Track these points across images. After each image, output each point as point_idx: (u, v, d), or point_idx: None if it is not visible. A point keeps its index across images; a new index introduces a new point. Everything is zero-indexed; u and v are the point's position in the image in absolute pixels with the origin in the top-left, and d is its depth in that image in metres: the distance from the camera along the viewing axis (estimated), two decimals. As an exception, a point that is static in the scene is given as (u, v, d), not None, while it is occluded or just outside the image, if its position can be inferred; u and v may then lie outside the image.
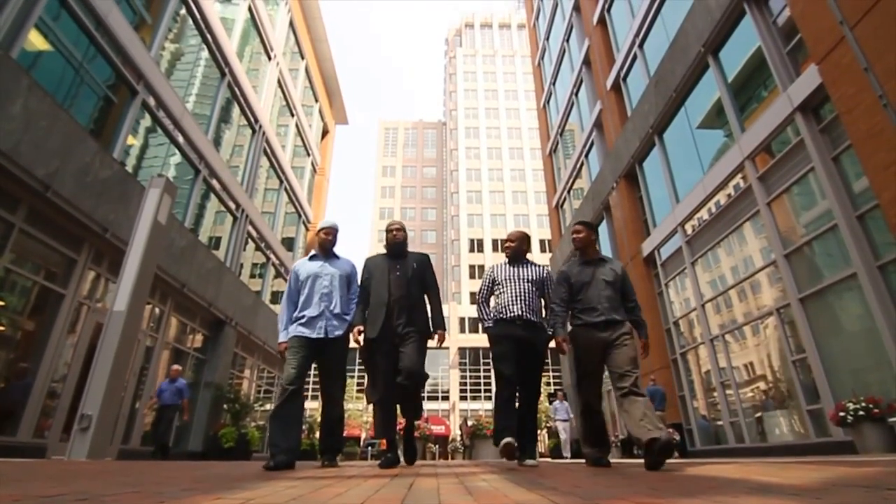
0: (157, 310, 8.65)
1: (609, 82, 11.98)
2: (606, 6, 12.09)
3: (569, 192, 16.21)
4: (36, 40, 5.60)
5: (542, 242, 45.29)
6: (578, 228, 3.39)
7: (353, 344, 3.38)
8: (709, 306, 8.26)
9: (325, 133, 20.71)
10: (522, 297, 3.41)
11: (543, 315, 3.48)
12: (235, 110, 11.66)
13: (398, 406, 3.43)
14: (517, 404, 3.37)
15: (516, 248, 3.65)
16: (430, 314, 3.52)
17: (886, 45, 4.48)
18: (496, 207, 49.28)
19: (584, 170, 14.74)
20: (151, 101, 7.86)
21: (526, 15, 20.88)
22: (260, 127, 12.83)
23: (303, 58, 16.97)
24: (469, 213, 49.71)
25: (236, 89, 11.33)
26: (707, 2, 7.50)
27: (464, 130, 53.76)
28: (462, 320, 41.52)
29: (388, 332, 3.30)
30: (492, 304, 3.54)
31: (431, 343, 3.49)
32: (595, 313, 3.07)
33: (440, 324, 3.49)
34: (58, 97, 5.78)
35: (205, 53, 10.01)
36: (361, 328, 3.31)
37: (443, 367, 40.16)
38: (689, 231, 8.70)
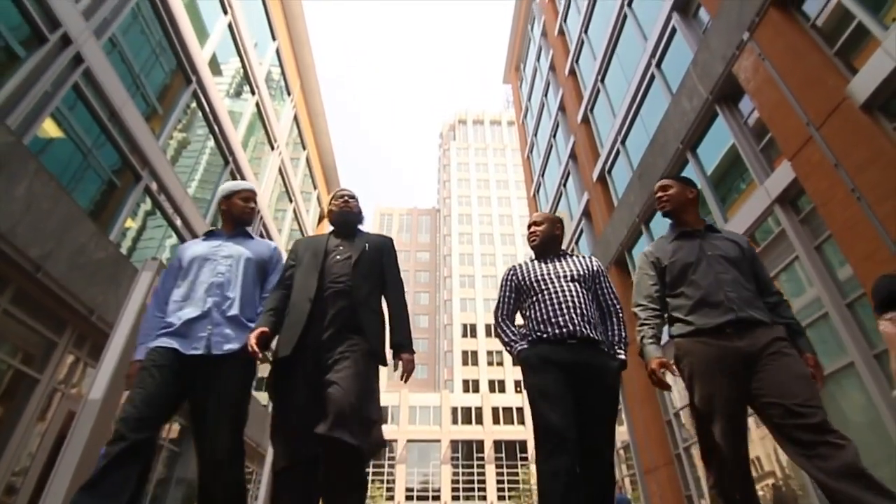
0: (134, 396, 8.22)
1: (595, 174, 12.59)
2: (589, 107, 13.04)
3: (561, 277, 16.30)
4: (49, 128, 5.87)
5: (535, 328, 44.91)
6: (666, 184, 2.30)
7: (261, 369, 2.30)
8: (708, 396, 8.00)
9: (321, 218, 21.23)
10: (571, 304, 2.27)
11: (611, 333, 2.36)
12: (235, 195, 12.01)
13: (321, 490, 1.93)
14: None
15: (546, 234, 2.56)
16: (387, 324, 2.33)
17: (851, 143, 4.80)
18: (489, 292, 49.34)
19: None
20: (154, 186, 8.11)
21: (515, 113, 22.41)
22: (258, 212, 13.16)
23: (304, 148, 17.85)
24: (462, 298, 49.65)
25: (238, 176, 11.76)
26: (682, 104, 8.13)
27: (457, 217, 55.36)
28: (454, 410, 39.81)
29: (311, 346, 2.05)
30: (517, 322, 2.50)
31: (388, 373, 2.39)
32: (715, 310, 1.94)
33: (403, 342, 2.24)
34: (62, 180, 5.95)
35: (210, 143, 10.52)
36: (262, 332, 2.06)
37: (434, 461, 37.77)
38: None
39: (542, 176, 18.38)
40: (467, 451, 38.23)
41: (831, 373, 5.53)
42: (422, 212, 66.22)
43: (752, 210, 6.58)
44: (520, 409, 40.55)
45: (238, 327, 2.16)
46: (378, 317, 2.29)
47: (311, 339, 2.08)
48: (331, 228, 2.57)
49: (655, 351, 2.01)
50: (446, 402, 39.88)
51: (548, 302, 2.32)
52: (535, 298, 2.38)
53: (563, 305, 2.28)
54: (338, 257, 2.33)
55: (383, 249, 2.48)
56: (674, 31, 8.45)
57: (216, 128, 10.41)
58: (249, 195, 2.51)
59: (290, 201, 16.57)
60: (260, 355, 2.04)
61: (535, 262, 2.55)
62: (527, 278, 2.47)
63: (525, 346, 2.29)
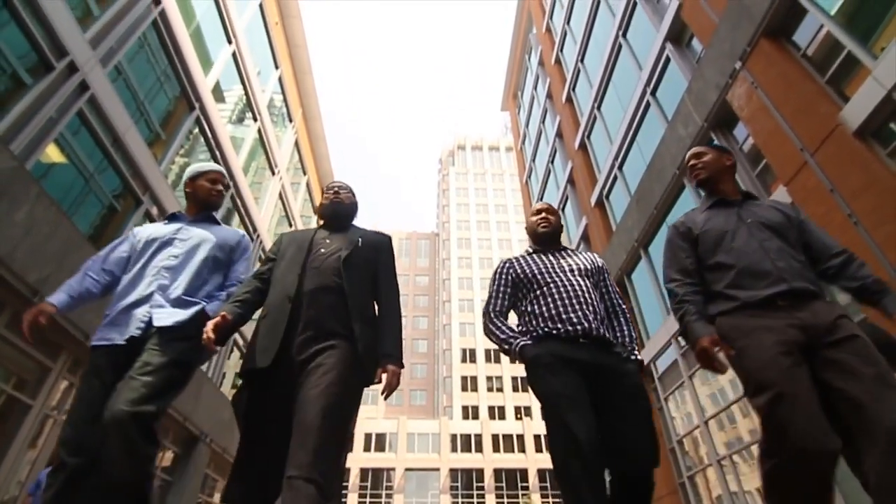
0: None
1: (593, 199, 12.69)
2: (586, 133, 13.24)
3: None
4: (52, 153, 5.93)
5: (535, 353, 44.50)
6: (700, 151, 2.07)
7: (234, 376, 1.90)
8: (712, 423, 7.89)
9: (320, 242, 21.23)
10: (584, 299, 2.02)
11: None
12: (235, 219, 12.06)
13: None
14: None
15: (556, 225, 2.37)
16: (377, 330, 1.96)
17: (846, 169, 4.85)
18: (488, 317, 49.06)
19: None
20: (154, 211, 8.14)
21: (513, 139, 22.72)
22: (258, 236, 13.19)
23: (304, 173, 18.01)
24: (461, 322, 49.34)
25: (238, 201, 11.83)
26: (677, 131, 8.25)
27: (456, 241, 55.50)
28: (454, 438, 39.08)
29: (291, 357, 1.74)
30: (511, 321, 2.17)
31: (373, 388, 2.03)
32: (762, 280, 1.67)
33: (393, 351, 1.88)
34: (64, 205, 5.98)
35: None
36: (223, 319, 1.75)
37: (433, 491, 36.91)
38: (683, 343, 8.61)
39: (541, 201, 18.48)
40: (467, 481, 37.33)
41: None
42: (421, 236, 66.41)
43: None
44: (520, 437, 39.81)
45: (182, 304, 1.91)
46: (372, 325, 1.93)
47: (291, 345, 1.75)
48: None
49: (704, 328, 1.66)
50: (445, 428, 39.16)
51: (556, 296, 2.04)
52: (538, 293, 2.09)
53: (576, 300, 2.01)
54: (323, 250, 2.01)
55: (380, 247, 2.17)
56: (668, 60, 8.65)
57: (218, 153, 10.52)
58: (217, 177, 2.31)
59: (290, 226, 16.62)
60: (214, 347, 1.72)
61: (535, 255, 2.30)
62: (528, 271, 2.19)
63: (528, 342, 1.94)
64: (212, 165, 2.36)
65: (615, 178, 11.57)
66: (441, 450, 38.51)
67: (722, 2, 6.71)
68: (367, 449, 38.25)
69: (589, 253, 2.34)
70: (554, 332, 1.95)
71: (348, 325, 1.83)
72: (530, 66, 19.17)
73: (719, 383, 7.79)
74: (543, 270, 2.17)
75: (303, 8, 14.51)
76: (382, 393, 1.85)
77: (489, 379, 45.86)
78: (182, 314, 1.88)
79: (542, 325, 2.00)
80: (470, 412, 43.73)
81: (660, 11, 8.99)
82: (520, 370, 45.77)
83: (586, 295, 2.06)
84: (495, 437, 39.82)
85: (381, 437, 38.96)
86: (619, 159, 11.17)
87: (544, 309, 2.04)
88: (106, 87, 6.56)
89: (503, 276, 2.27)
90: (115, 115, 6.77)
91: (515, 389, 45.27)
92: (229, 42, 10.77)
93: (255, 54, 12.38)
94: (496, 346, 2.11)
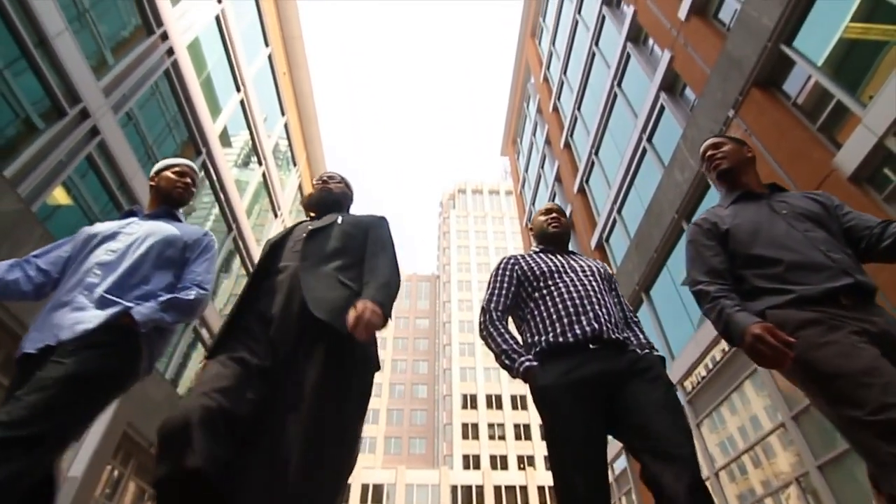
0: (115, 473, 7.79)
1: (593, 242, 12.75)
2: (585, 178, 13.47)
3: (562, 346, 16.06)
4: (58, 195, 6.02)
5: (537, 399, 43.40)
6: (718, 141, 1.91)
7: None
8: (723, 474, 7.59)
9: (321, 284, 21.20)
10: (595, 300, 1.84)
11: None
12: (237, 262, 12.08)
13: None
14: None
15: (567, 226, 2.22)
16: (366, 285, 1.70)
17: (843, 214, 4.89)
18: (489, 360, 48.27)
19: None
20: (156, 252, 8.18)
21: (513, 184, 23.10)
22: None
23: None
24: (462, 367, 48.48)
25: (240, 242, 11.90)
26: (674, 176, 8.40)
27: (457, 283, 55.37)
28: (454, 490, 37.59)
29: (260, 337, 1.56)
30: (510, 329, 1.90)
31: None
32: (819, 273, 1.44)
33: (375, 294, 1.59)
34: (66, 247, 6.01)
35: (216, 210, 10.74)
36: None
37: (431, 546, 35.19)
38: (690, 388, 8.42)
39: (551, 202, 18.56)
40: (467, 497, 35.63)
41: (848, 449, 5.25)
42: (421, 278, 66.33)
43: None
44: (523, 488, 38.25)
45: (104, 306, 1.61)
46: (352, 295, 1.66)
47: (265, 322, 1.60)
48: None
49: (749, 317, 1.40)
50: (445, 479, 37.69)
51: (565, 296, 1.84)
52: (545, 291, 1.89)
53: (586, 300, 1.82)
54: (304, 237, 1.82)
55: (370, 224, 1.93)
56: (662, 108, 8.92)
57: (222, 196, 10.67)
58: (186, 170, 2.09)
59: (291, 268, 16.65)
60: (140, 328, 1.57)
61: (543, 254, 2.09)
62: (535, 268, 1.98)
63: (533, 361, 1.71)
64: (183, 160, 2.15)
65: (614, 222, 11.67)
66: (441, 502, 36.93)
67: (712, 54, 6.98)
68: (363, 501, 36.67)
69: (596, 261, 2.15)
70: (560, 340, 1.73)
71: (313, 308, 1.56)
72: (529, 113, 19.76)
73: (728, 431, 7.55)
74: (553, 268, 1.97)
75: (310, 57, 15.14)
76: (350, 324, 1.46)
77: (490, 426, 44.56)
78: (92, 318, 1.56)
79: (548, 329, 1.79)
80: (471, 461, 42.22)
81: (653, 63, 9.35)
82: (522, 417, 44.55)
83: (599, 296, 1.86)
84: (497, 489, 38.25)
85: (378, 489, 37.43)
86: (618, 203, 11.31)
87: (552, 310, 1.82)
88: (116, 132, 6.74)
89: (507, 272, 2.02)
90: (124, 160, 6.92)
91: (518, 438, 43.90)
92: (238, 90, 11.16)
93: (263, 102, 12.79)
94: (496, 362, 1.85)
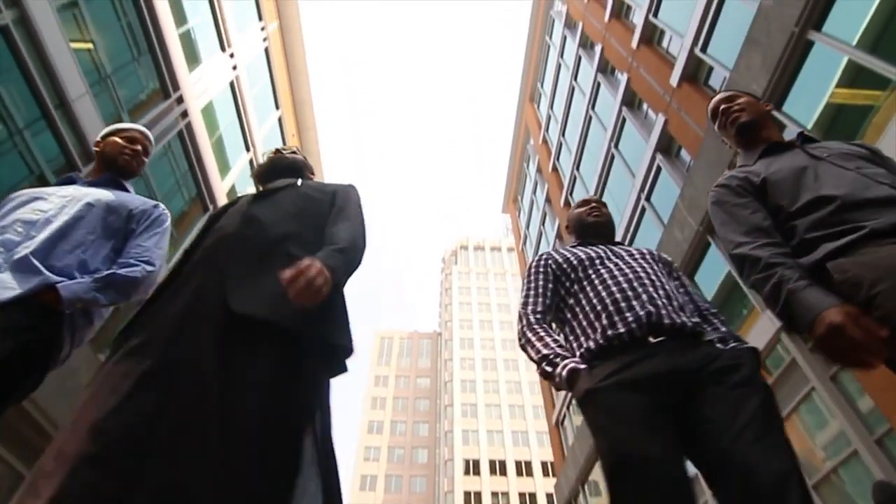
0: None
1: (596, 299, 12.66)
2: (586, 235, 13.59)
3: (568, 407, 15.57)
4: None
5: (543, 465, 41.45)
6: (732, 94, 1.67)
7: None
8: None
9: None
10: (649, 281, 1.52)
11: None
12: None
13: None
14: None
15: (609, 217, 1.96)
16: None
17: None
18: (492, 423, 46.61)
19: (580, 384, 14.42)
20: (156, 307, 8.14)
21: (514, 241, 23.31)
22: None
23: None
24: (464, 429, 46.70)
25: (241, 298, 11.85)
26: (674, 234, 8.47)
27: (458, 341, 54.54)
28: (454, 563, 35.11)
29: (197, 324, 1.11)
30: (553, 332, 1.59)
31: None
32: (887, 207, 1.14)
33: (332, 255, 1.28)
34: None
35: (218, 266, 10.80)
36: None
37: None
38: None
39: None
40: None
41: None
42: (423, 335, 65.41)
43: (759, 338, 6.45)
44: (529, 564, 35.66)
45: (26, 272, 1.29)
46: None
47: (205, 303, 1.17)
48: None
49: (824, 296, 1.05)
50: (445, 553, 35.27)
51: (608, 281, 1.52)
52: (584, 284, 1.58)
53: (636, 283, 1.49)
54: (256, 203, 1.46)
55: (337, 189, 1.61)
56: (659, 168, 9.15)
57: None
58: (137, 136, 1.82)
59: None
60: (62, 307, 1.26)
61: (582, 246, 1.79)
62: (570, 259, 1.68)
63: (579, 364, 1.39)
64: (135, 125, 1.89)
65: (617, 279, 11.64)
66: (440, 579, 34.38)
67: (705, 118, 7.24)
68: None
69: (651, 249, 1.86)
70: (610, 332, 1.40)
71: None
72: (529, 172, 20.28)
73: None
74: (592, 256, 1.66)
75: (317, 116, 15.79)
76: (287, 277, 1.11)
77: (494, 495, 42.21)
78: (4, 287, 1.24)
79: (593, 324, 1.46)
80: (473, 533, 39.68)
81: (647, 126, 9.71)
82: (528, 485, 42.27)
83: (653, 277, 1.54)
84: (501, 565, 35.67)
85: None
86: (620, 260, 11.34)
87: (594, 301, 1.50)
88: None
89: (542, 269, 1.73)
90: (131, 215, 7.04)
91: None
92: (247, 150, 11.55)
93: (271, 161, 13.18)
94: (535, 367, 1.53)
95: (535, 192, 19.20)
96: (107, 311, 1.68)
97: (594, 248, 1.75)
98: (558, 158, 15.97)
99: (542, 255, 1.82)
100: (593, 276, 1.58)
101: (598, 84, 12.26)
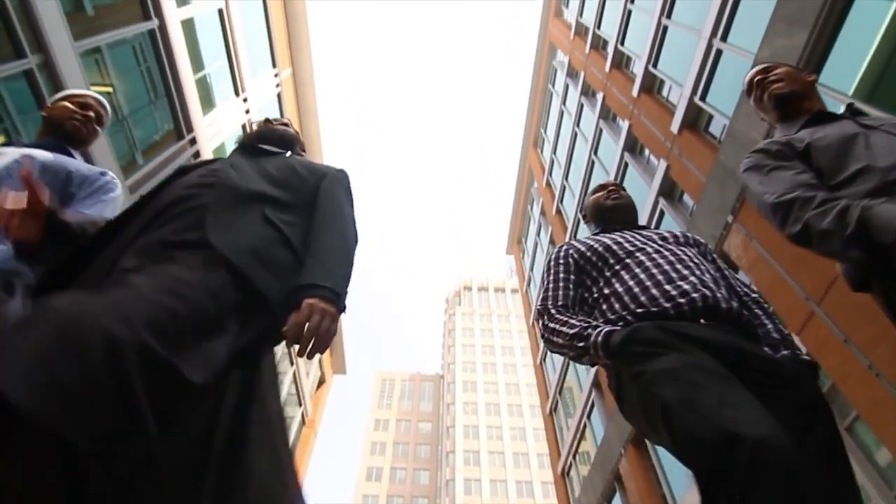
0: None
1: (601, 343, 12.47)
2: (590, 278, 13.53)
3: (574, 456, 15.04)
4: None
5: (548, 517, 39.61)
6: (769, 65, 1.52)
7: None
8: None
9: (321, 382, 20.53)
10: (688, 264, 1.38)
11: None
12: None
13: None
14: None
15: (630, 200, 1.82)
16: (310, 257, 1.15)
17: (857, 318, 4.79)
18: (496, 471, 44.96)
19: (587, 432, 14.00)
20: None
21: (518, 282, 23.23)
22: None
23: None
24: (466, 478, 45.01)
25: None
26: (679, 277, 8.42)
27: (461, 384, 53.45)
28: None
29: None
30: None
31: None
32: None
33: (331, 274, 1.09)
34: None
35: (221, 304, 10.77)
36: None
37: None
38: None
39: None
40: None
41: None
42: (425, 378, 64.18)
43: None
44: None
45: None
46: (281, 241, 1.13)
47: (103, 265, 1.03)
48: None
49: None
50: None
51: (647, 263, 1.37)
52: (616, 268, 1.42)
53: (679, 265, 1.34)
54: (223, 167, 1.27)
55: (327, 172, 1.43)
56: (662, 212, 9.21)
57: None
58: (91, 102, 1.65)
59: (292, 364, 16.22)
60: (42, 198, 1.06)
61: (605, 233, 1.64)
62: (595, 246, 1.52)
63: (616, 327, 1.23)
64: (87, 91, 1.73)
65: (622, 323, 11.49)
66: None
67: (706, 164, 7.36)
68: None
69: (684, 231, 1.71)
70: (655, 309, 1.23)
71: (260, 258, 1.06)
72: (533, 215, 20.47)
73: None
74: (622, 241, 1.50)
75: (325, 157, 16.12)
76: (287, 344, 1.01)
77: (497, 548, 40.18)
78: None
79: (636, 298, 1.29)
80: (474, 592, 37.48)
81: (650, 171, 9.86)
82: (531, 538, 40.25)
83: (696, 260, 1.40)
84: None
85: None
86: (625, 304, 11.23)
87: (631, 283, 1.33)
88: (134, 226, 7.00)
89: (561, 261, 1.57)
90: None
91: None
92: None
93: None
94: (561, 354, 1.39)
95: (538, 233, 19.30)
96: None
97: (619, 233, 1.59)
98: (562, 201, 16.14)
99: (561, 246, 1.68)
100: (629, 261, 1.42)
101: (601, 130, 12.55)
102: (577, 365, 15.03)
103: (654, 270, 1.34)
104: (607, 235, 1.60)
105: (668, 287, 1.28)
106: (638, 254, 1.43)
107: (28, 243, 1.08)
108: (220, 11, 8.81)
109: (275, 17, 10.72)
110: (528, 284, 21.57)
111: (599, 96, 12.40)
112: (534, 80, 18.71)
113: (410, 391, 61.96)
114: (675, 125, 8.30)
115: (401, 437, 55.84)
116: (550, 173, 17.46)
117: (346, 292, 1.10)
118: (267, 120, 1.66)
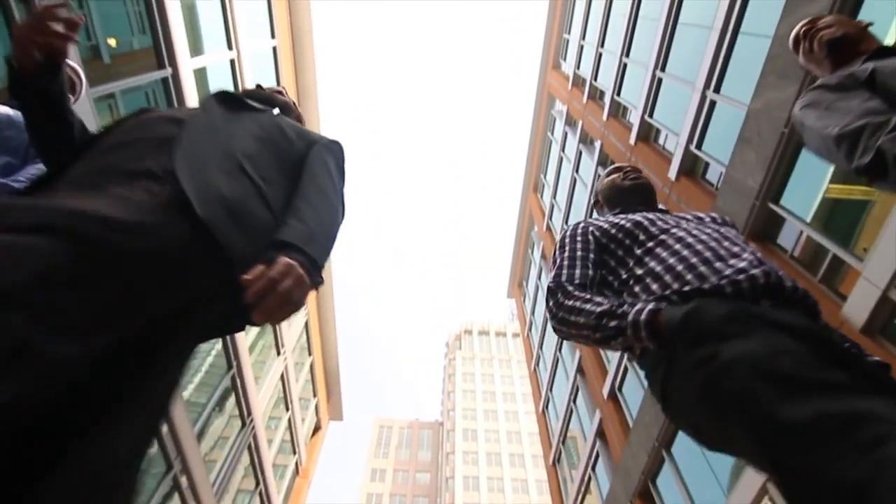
0: None
1: (605, 391, 12.19)
2: (592, 323, 13.39)
3: (578, 510, 14.38)
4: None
5: (552, 578, 37.37)
6: (812, 18, 1.39)
7: None
8: None
9: (316, 429, 19.94)
10: (733, 242, 1.21)
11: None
12: (231, 401, 11.55)
13: None
14: None
15: (649, 181, 1.64)
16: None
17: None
18: (496, 526, 42.88)
19: (592, 484, 13.46)
20: (150, 389, 7.88)
21: (519, 326, 23.00)
22: (251, 420, 12.47)
23: (310, 354, 17.89)
24: (465, 533, 42.82)
25: (238, 380, 11.51)
26: (682, 323, 8.32)
27: (461, 432, 51.85)
28: None
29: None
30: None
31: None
32: None
33: (309, 237, 0.94)
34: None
35: (219, 345, 10.62)
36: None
37: None
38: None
39: (550, 390, 17.76)
40: None
41: None
42: (423, 425, 62.32)
43: (743, 494, 6.08)
44: None
45: None
46: (256, 194, 0.99)
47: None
48: None
49: None
50: None
51: (688, 239, 1.19)
52: (650, 245, 1.24)
53: (727, 242, 1.18)
54: (203, 114, 1.08)
55: (318, 139, 1.28)
56: (663, 257, 9.22)
57: (228, 337, 10.61)
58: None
59: (287, 409, 15.81)
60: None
61: (632, 213, 1.44)
62: (622, 223, 1.34)
63: (661, 305, 1.05)
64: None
65: (626, 370, 11.27)
66: None
67: (705, 209, 7.42)
68: None
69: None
70: (706, 286, 1.04)
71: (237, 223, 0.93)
72: (533, 259, 20.53)
73: None
74: (653, 218, 1.32)
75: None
76: (251, 304, 0.81)
77: None
78: None
79: (679, 280, 1.10)
80: None
81: (649, 216, 9.94)
82: None
83: (739, 240, 1.23)
84: None
85: None
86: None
87: (672, 260, 1.15)
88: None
89: (582, 237, 1.37)
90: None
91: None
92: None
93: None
94: (580, 341, 1.23)
95: (539, 277, 19.28)
96: None
97: (644, 214, 1.39)
98: (562, 245, 16.20)
99: (578, 222, 1.47)
100: (664, 238, 1.23)
101: (599, 176, 12.74)
102: (580, 415, 14.64)
103: (699, 247, 1.16)
104: (631, 215, 1.41)
105: (718, 265, 1.10)
106: (675, 230, 1.25)
107: (56, 56, 0.97)
108: (232, 62, 9.18)
109: (284, 68, 11.15)
110: (530, 328, 21.33)
111: (597, 144, 12.71)
112: (533, 128, 19.26)
113: (409, 439, 60.03)
114: (672, 172, 8.45)
115: (398, 489, 53.56)
116: (551, 217, 17.64)
117: (321, 270, 0.96)
118: (258, 86, 1.53)
